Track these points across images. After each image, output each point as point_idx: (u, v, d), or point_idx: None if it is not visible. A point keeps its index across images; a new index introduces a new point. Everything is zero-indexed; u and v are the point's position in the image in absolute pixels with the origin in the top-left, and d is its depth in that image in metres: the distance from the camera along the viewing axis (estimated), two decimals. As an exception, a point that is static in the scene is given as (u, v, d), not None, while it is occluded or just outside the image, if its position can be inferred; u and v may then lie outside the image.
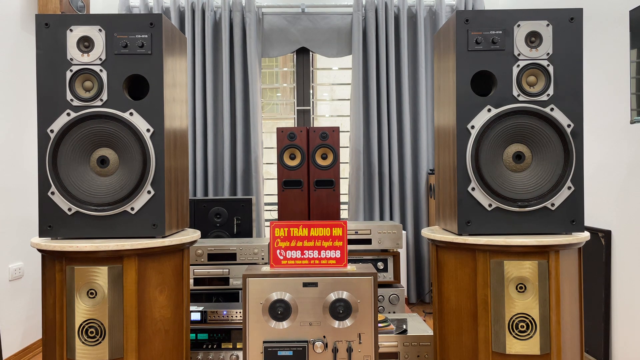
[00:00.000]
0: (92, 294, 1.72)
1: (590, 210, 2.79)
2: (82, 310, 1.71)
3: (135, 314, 1.74)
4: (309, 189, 3.40)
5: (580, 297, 1.88)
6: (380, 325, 2.18)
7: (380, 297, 2.89)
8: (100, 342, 1.71)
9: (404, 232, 3.72)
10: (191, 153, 4.03)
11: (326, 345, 1.79)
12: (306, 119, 4.33)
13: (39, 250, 1.77)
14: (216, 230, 3.23)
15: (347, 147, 4.12)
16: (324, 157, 3.39)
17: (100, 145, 1.80)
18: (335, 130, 3.38)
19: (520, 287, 1.76)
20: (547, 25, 1.81)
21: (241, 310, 2.29)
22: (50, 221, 1.78)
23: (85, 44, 1.79)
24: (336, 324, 1.80)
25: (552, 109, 1.80)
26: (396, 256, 3.00)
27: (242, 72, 4.08)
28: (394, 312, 2.88)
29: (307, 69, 4.32)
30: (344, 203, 4.10)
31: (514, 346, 1.75)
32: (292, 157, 3.40)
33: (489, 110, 1.81)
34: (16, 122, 3.02)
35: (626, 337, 2.54)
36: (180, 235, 1.92)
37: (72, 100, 1.78)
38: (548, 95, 1.81)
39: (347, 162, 4.11)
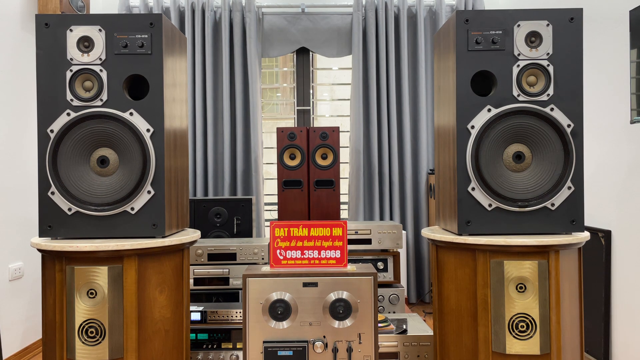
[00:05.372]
0: (92, 294, 1.72)
1: (590, 210, 2.79)
2: (82, 310, 1.71)
3: (135, 314, 1.74)
4: (309, 189, 3.40)
5: (580, 297, 1.88)
6: (380, 325, 2.18)
7: (380, 297, 2.89)
8: (100, 342, 1.71)
9: (404, 232, 3.72)
10: (191, 153, 4.03)
11: (326, 345, 1.79)
12: (306, 119, 4.33)
13: (39, 250, 1.77)
14: (216, 230, 3.23)
15: (347, 147, 4.12)
16: (324, 157, 3.39)
17: (100, 145, 1.80)
18: (335, 130, 3.38)
19: (520, 287, 1.76)
20: (547, 25, 1.81)
21: (241, 310, 2.29)
22: (50, 221, 1.78)
23: (85, 44, 1.79)
24: (336, 324, 1.80)
25: (552, 109, 1.80)
26: (396, 256, 3.00)
27: (242, 72, 4.08)
28: (394, 312, 2.88)
29: (307, 69, 4.32)
30: (344, 203, 4.10)
31: (514, 346, 1.75)
32: (292, 157, 3.40)
33: (489, 110, 1.81)
34: (16, 122, 3.02)
35: (626, 337, 2.54)
36: (180, 235, 1.92)
37: (72, 100, 1.78)
38: (548, 95, 1.81)
39: (347, 162, 4.11)
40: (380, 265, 2.98)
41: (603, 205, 2.70)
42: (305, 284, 1.81)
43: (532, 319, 1.75)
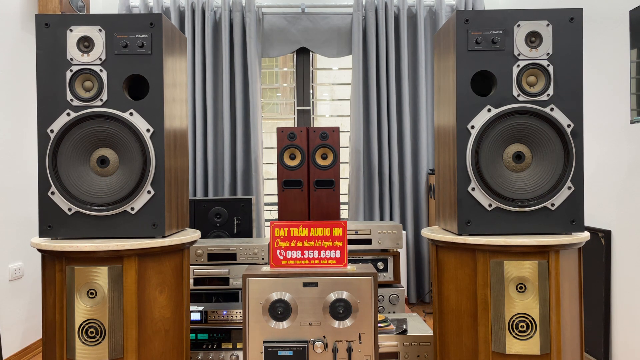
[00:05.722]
0: (92, 294, 1.72)
1: (590, 210, 2.79)
2: (82, 310, 1.71)
3: (135, 314, 1.74)
4: (309, 189, 3.40)
5: (580, 297, 1.88)
6: (380, 325, 2.18)
7: (380, 297, 2.89)
8: (100, 342, 1.71)
9: (404, 232, 3.72)
10: (191, 153, 4.03)
11: (326, 345, 1.79)
12: (306, 119, 4.33)
13: (39, 250, 1.77)
14: (216, 230, 3.23)
15: (347, 147, 4.12)
16: (324, 157, 3.39)
17: (100, 145, 1.80)
18: (335, 130, 3.38)
19: (520, 287, 1.76)
20: (547, 25, 1.81)
21: (241, 310, 2.29)
22: (50, 221, 1.78)
23: (85, 44, 1.79)
24: (336, 324, 1.80)
25: (552, 109, 1.80)
26: (396, 256, 3.00)
27: (242, 72, 4.08)
28: (394, 312, 2.88)
29: (307, 69, 4.32)
30: (344, 203, 4.10)
31: (514, 346, 1.75)
32: (292, 157, 3.40)
33: (489, 110, 1.81)
34: (16, 122, 3.02)
35: (626, 337, 2.54)
36: (180, 235, 1.92)
37: (72, 100, 1.78)
38: (548, 95, 1.81)
39: (347, 162, 4.11)
40: (380, 265, 2.98)
41: (603, 205, 2.70)
42: (305, 284, 1.81)
43: (532, 319, 1.75)
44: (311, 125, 4.32)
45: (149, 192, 1.79)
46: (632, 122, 2.47)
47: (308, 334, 1.80)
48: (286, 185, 3.39)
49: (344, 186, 4.08)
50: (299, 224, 1.89)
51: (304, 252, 1.88)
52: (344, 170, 4.12)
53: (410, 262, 4.04)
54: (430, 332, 2.16)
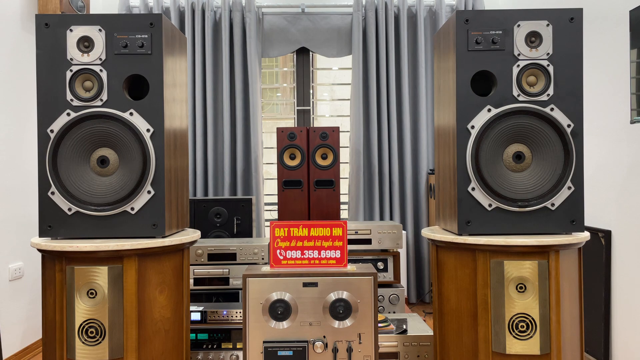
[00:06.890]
0: (92, 294, 1.72)
1: (590, 210, 2.79)
2: (82, 310, 1.71)
3: (135, 314, 1.74)
4: (309, 189, 3.40)
5: (580, 297, 1.88)
6: (380, 325, 2.18)
7: (380, 297, 2.89)
8: (100, 342, 1.71)
9: (404, 232, 3.72)
10: (191, 153, 4.03)
11: (326, 345, 1.79)
12: (306, 119, 4.33)
13: (39, 250, 1.77)
14: (216, 230, 3.23)
15: (347, 147, 4.12)
16: (324, 157, 3.39)
17: (100, 145, 1.80)
18: (335, 130, 3.38)
19: (520, 287, 1.76)
20: (547, 25, 1.81)
21: (241, 310, 2.29)
22: (50, 221, 1.78)
23: (85, 44, 1.79)
24: (336, 324, 1.80)
25: (552, 109, 1.80)
26: (396, 256, 3.00)
27: (242, 72, 4.08)
28: (394, 312, 2.88)
29: (307, 69, 4.32)
30: (344, 203, 4.10)
31: (514, 346, 1.75)
32: (292, 157, 3.40)
33: (489, 110, 1.81)
34: (16, 122, 3.02)
35: (626, 337, 2.54)
36: (180, 235, 1.92)
37: (72, 100, 1.78)
38: (548, 95, 1.81)
39: (347, 162, 4.11)
40: (380, 265, 2.98)
41: (603, 205, 2.70)
42: (305, 284, 1.81)
43: (532, 319, 1.75)
44: (311, 125, 4.32)
45: (149, 192, 1.79)
46: (632, 122, 2.47)
47: (308, 334, 1.80)
48: (286, 185, 3.39)
49: (344, 186, 4.08)
50: (299, 224, 1.89)
51: (304, 252, 1.88)
52: (344, 170, 4.12)
53: (410, 262, 4.04)
54: (430, 332, 2.16)
